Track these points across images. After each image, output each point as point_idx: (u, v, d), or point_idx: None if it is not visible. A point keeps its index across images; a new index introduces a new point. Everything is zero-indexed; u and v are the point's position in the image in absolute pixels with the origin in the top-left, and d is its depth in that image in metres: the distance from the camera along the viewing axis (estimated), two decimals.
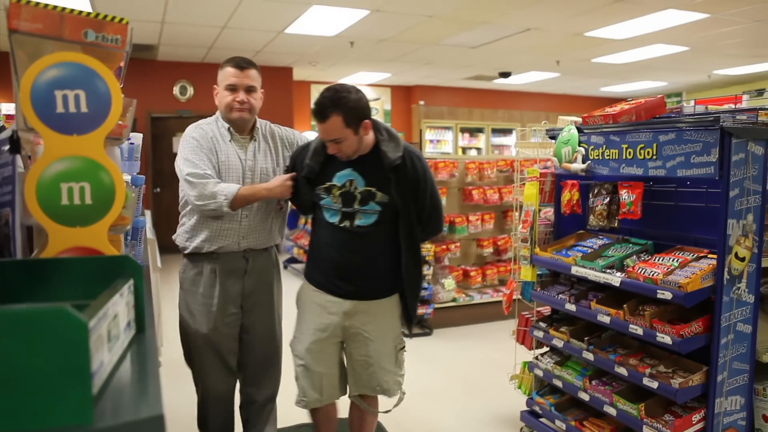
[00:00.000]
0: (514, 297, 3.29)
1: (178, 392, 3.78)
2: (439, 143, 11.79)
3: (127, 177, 1.56)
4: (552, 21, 6.55)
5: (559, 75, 10.24)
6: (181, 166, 2.30)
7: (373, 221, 2.27)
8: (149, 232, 4.61)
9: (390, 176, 2.24)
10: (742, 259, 2.18)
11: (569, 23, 6.64)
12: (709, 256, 2.30)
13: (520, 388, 3.22)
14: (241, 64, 2.37)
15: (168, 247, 9.33)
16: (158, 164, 9.20)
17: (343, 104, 2.10)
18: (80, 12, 0.95)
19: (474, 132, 12.09)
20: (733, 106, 3.20)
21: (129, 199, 1.01)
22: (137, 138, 1.84)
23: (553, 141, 2.88)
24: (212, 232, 2.39)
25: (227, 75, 2.37)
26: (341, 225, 2.28)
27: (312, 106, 2.15)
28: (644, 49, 7.99)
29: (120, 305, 0.78)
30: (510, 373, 3.30)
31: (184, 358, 2.61)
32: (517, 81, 10.94)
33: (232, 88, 2.35)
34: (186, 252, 2.46)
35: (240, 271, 2.46)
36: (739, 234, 2.16)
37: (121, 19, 0.94)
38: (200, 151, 2.31)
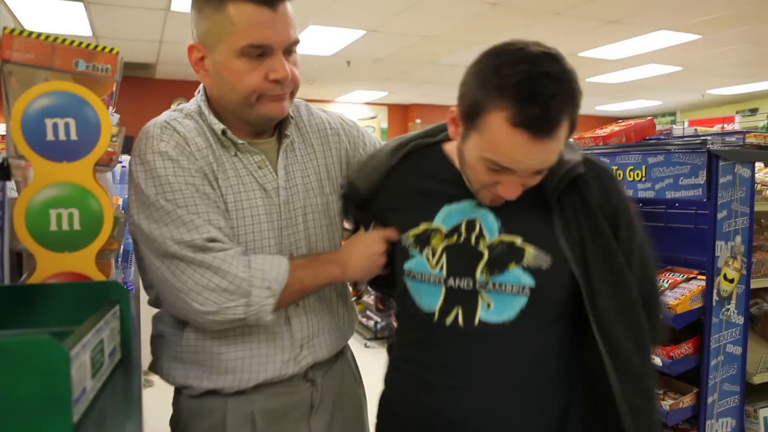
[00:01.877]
0: None
1: (170, 412, 3.76)
2: None
3: (119, 200, 1.58)
4: (546, 41, 6.54)
5: None
6: (154, 231, 1.06)
7: (518, 311, 1.09)
8: None
9: (556, 209, 1.10)
10: (731, 281, 2.20)
11: (563, 43, 6.71)
12: (699, 277, 2.31)
13: None
14: None
15: None
16: None
17: (578, 96, 1.02)
18: (72, 42, 0.97)
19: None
20: (725, 125, 3.24)
21: (118, 224, 1.03)
22: (128, 160, 1.81)
23: None
24: (241, 354, 1.18)
25: (249, 21, 1.07)
26: (444, 320, 1.11)
27: (517, 96, 0.95)
28: (638, 69, 8.07)
29: (105, 331, 0.79)
30: None
31: None
32: None
33: (261, 51, 1.10)
34: (182, 393, 1.25)
35: (302, 408, 1.26)
36: (727, 255, 2.18)
37: (112, 49, 0.97)
38: (185, 182, 1.08)
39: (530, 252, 1.09)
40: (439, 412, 1.12)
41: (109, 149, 0.99)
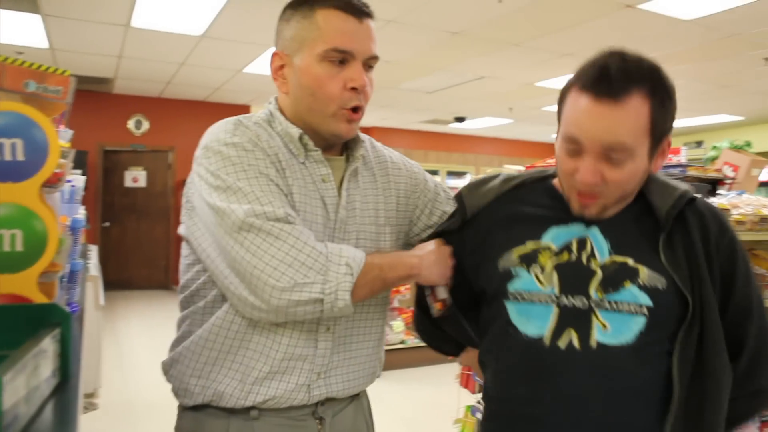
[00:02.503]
0: None
1: None
2: None
3: (67, 220, 1.55)
4: (505, 70, 6.81)
5: (512, 121, 10.58)
6: (231, 205, 1.04)
7: (638, 333, 1.03)
8: (94, 269, 4.51)
9: (664, 232, 1.07)
10: None
11: (521, 73, 6.92)
12: None
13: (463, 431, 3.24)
14: (359, 6, 1.15)
15: (114, 283, 9.10)
16: (109, 198, 9.03)
17: (656, 81, 1.04)
18: (22, 63, 0.97)
19: (430, 174, 12.33)
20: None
21: (63, 245, 1.02)
22: (79, 180, 1.71)
23: None
24: (262, 363, 1.12)
25: (335, 27, 1.11)
26: (557, 343, 1.04)
27: (585, 69, 1.06)
28: None
29: (42, 356, 0.79)
30: (453, 417, 3.31)
31: None
32: (472, 126, 11.24)
33: (342, 57, 1.12)
34: (187, 405, 1.19)
35: None
36: None
37: (64, 71, 0.97)
38: (258, 171, 1.08)
39: (644, 271, 1.04)
40: None
41: (57, 170, 0.99)
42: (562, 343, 1.03)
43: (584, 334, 1.03)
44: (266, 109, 1.22)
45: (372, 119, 10.96)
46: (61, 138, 2.53)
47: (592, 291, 1.05)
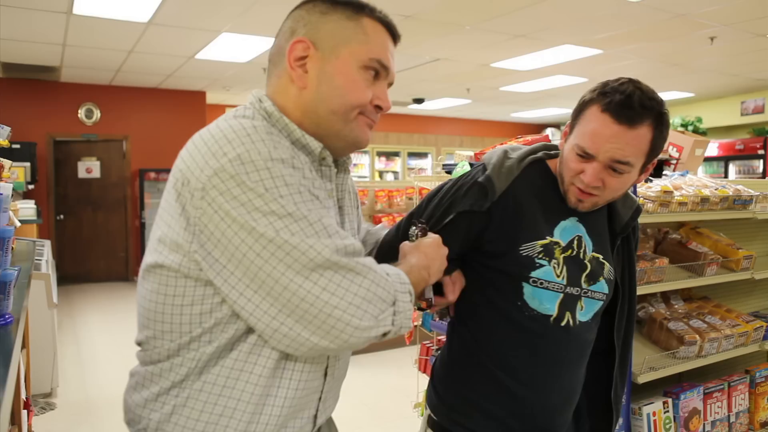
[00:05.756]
0: (416, 324, 3.37)
1: None
2: (356, 167, 11.95)
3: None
4: (460, 52, 6.82)
5: (470, 101, 10.63)
6: (306, 241, 0.91)
7: (593, 314, 1.39)
8: (46, 266, 4.38)
9: (617, 241, 1.43)
10: None
11: (476, 55, 6.94)
12: None
13: (422, 416, 3.29)
14: (394, 28, 1.14)
15: (72, 277, 8.89)
16: (62, 189, 8.79)
17: (662, 114, 1.24)
18: None
19: (390, 155, 12.33)
20: None
21: None
22: (5, 188, 1.60)
23: (450, 175, 3.00)
24: (278, 407, 1.02)
25: (381, 41, 1.10)
26: (561, 323, 1.33)
27: (608, 92, 1.22)
28: (547, 80, 8.45)
29: None
30: (414, 401, 3.36)
31: None
32: (431, 107, 11.27)
33: (377, 72, 1.10)
34: None
35: None
36: None
37: None
38: (310, 194, 0.97)
39: (608, 267, 1.39)
40: (544, 404, 1.36)
41: None
42: (563, 322, 1.33)
43: (573, 314, 1.34)
44: (256, 107, 1.10)
45: None
46: None
47: (583, 282, 1.35)
